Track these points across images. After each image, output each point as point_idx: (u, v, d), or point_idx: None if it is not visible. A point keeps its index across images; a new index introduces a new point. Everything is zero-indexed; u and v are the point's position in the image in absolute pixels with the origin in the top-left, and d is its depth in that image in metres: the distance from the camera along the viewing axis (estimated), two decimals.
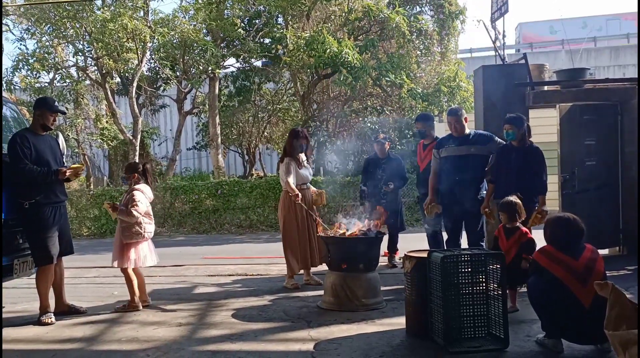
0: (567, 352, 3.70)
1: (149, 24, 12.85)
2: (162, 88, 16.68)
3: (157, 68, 15.51)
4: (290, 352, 3.88)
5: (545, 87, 7.07)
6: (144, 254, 5.12)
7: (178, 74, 14.95)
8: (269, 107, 15.60)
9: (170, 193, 12.35)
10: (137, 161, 5.04)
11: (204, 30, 13.97)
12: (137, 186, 5.12)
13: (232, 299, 5.49)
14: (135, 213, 4.95)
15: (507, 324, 3.83)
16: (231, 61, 15.55)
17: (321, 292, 5.26)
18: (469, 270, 3.97)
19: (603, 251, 6.86)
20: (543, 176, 5.19)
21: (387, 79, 11.94)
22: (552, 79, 7.54)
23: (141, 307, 5.06)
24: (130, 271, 5.05)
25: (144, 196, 5.13)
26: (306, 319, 4.69)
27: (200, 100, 15.94)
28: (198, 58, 13.40)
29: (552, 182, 6.76)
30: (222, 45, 14.15)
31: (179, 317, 4.84)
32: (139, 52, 12.87)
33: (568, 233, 3.74)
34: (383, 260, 6.81)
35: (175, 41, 13.07)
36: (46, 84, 14.59)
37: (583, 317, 3.54)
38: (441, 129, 9.18)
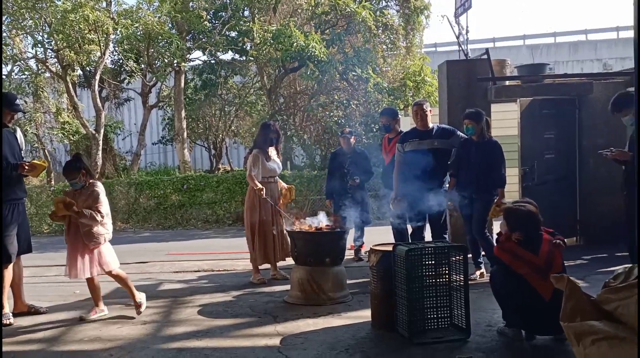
0: (525, 341, 3.82)
1: (111, 16, 12.54)
2: (126, 81, 16.31)
3: (121, 61, 15.16)
4: (257, 348, 3.89)
5: (507, 82, 7.24)
6: (110, 258, 4.73)
7: (142, 67, 14.66)
8: (236, 101, 15.46)
9: (135, 188, 12.13)
10: (76, 157, 4.50)
11: (169, 23, 13.72)
12: (96, 183, 4.67)
13: (198, 295, 5.45)
14: (99, 216, 4.49)
15: (469, 314, 3.93)
16: (197, 54, 15.34)
17: (288, 287, 5.28)
18: (433, 262, 4.05)
19: None
20: (501, 169, 5.33)
21: (354, 73, 11.99)
22: (513, 74, 7.72)
23: (107, 311, 4.80)
24: (117, 271, 4.74)
25: (104, 194, 4.69)
26: (273, 314, 4.71)
27: (166, 93, 15.67)
28: (163, 51, 13.16)
29: (513, 174, 6.96)
30: (187, 38, 13.93)
31: (144, 314, 4.77)
32: (102, 44, 12.55)
33: (527, 226, 3.84)
34: (350, 254, 6.88)
35: (139, 33, 12.79)
36: (4, 77, 14.09)
37: (543, 309, 3.65)
38: (406, 124, 9.29)
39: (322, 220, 5.44)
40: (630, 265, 2.05)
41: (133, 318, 4.67)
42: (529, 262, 3.72)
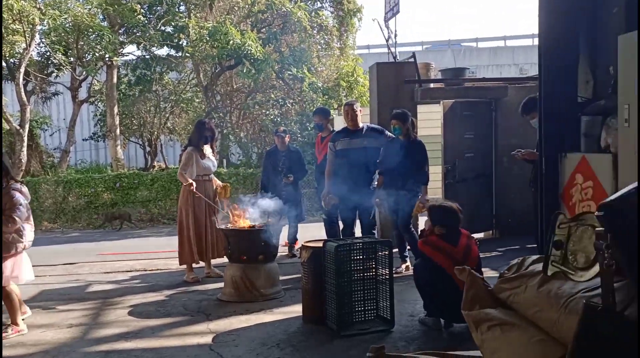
0: (444, 329, 4.07)
1: (38, 6, 11.99)
2: (54, 75, 15.60)
3: (48, 53, 14.50)
4: (188, 347, 3.91)
5: (431, 85, 7.59)
6: (24, 268, 4.31)
7: (72, 60, 14.09)
8: (172, 97, 15.17)
9: (63, 187, 11.68)
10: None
11: (100, 15, 13.28)
12: (14, 186, 4.21)
13: (129, 296, 5.38)
14: (17, 219, 4.09)
15: (393, 306, 4.13)
16: (131, 48, 14.90)
17: (221, 285, 5.31)
18: (361, 257, 4.22)
19: (479, 235, 7.53)
20: (425, 167, 5.61)
21: (290, 72, 12.10)
22: (437, 77, 8.10)
23: (26, 330, 4.30)
24: (10, 288, 4.20)
25: (24, 197, 4.24)
26: (205, 312, 4.73)
27: (97, 88, 15.15)
28: (94, 44, 12.71)
29: (436, 172, 7.30)
30: (120, 31, 13.53)
31: (70, 317, 4.66)
32: (27, 36, 11.97)
33: (447, 221, 4.10)
34: (284, 250, 6.99)
35: (68, 25, 12.30)
36: None
37: (460, 298, 3.92)
38: (340, 123, 9.51)
39: (256, 217, 5.52)
40: (522, 257, 2.29)
41: (58, 321, 4.56)
42: (448, 253, 3.97)
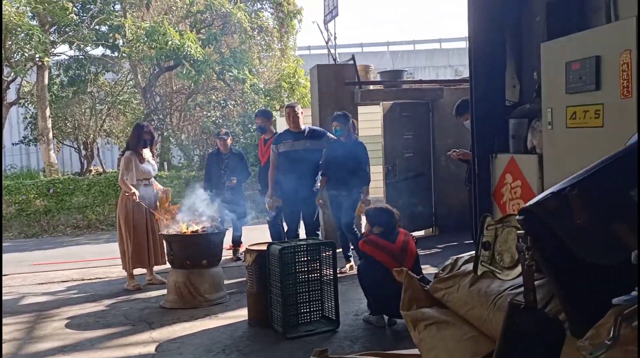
0: (387, 327, 4.19)
1: None
2: None
3: None
4: (130, 357, 3.84)
5: (371, 87, 7.77)
6: None
7: None
8: (108, 99, 14.68)
9: None
10: None
11: (29, 14, 12.66)
12: None
13: (66, 307, 5.18)
14: None
15: (338, 306, 4.21)
16: (63, 48, 14.30)
17: (164, 291, 5.22)
18: (305, 259, 4.26)
19: (419, 233, 7.77)
20: (366, 168, 5.73)
21: (230, 73, 12.00)
22: (376, 78, 8.30)
23: None
24: None
25: None
26: (148, 321, 4.64)
27: (27, 89, 14.43)
28: (23, 44, 12.10)
29: (378, 172, 7.48)
30: (51, 30, 12.95)
31: (3, 333, 4.46)
32: None
33: (385, 221, 4.24)
34: (228, 254, 6.95)
35: None
36: None
37: (399, 295, 4.06)
38: (283, 125, 9.54)
39: (199, 222, 5.46)
40: (455, 257, 2.41)
41: None
42: (386, 250, 4.10)
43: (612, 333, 1.35)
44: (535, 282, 1.66)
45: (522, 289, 1.83)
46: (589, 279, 1.60)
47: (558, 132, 3.72)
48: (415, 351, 2.32)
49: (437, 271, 2.39)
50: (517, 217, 1.62)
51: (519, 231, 1.62)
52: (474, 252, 2.21)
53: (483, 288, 1.98)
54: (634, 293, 1.36)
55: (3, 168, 16.75)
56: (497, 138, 4.58)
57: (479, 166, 4.63)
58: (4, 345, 4.20)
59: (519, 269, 1.81)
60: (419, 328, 2.19)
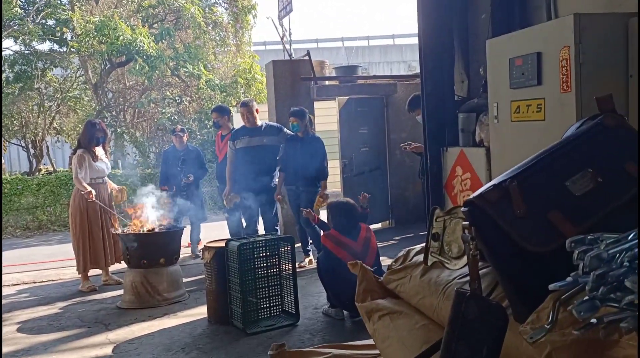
0: (346, 319, 4.26)
1: None
2: None
3: None
4: None
5: (326, 82, 7.83)
6: None
7: None
8: (57, 95, 14.18)
9: None
10: None
11: None
12: None
13: (17, 311, 5.04)
14: None
15: (297, 301, 4.25)
16: (8, 42, 13.68)
17: (121, 292, 5.15)
18: (264, 254, 4.29)
19: (376, 225, 7.91)
20: (324, 163, 5.80)
21: (185, 69, 11.81)
22: (332, 74, 8.36)
23: None
24: None
25: None
26: (104, 322, 4.57)
27: None
28: None
29: (335, 166, 7.56)
30: None
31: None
32: None
33: (347, 217, 4.30)
34: (187, 251, 6.89)
35: None
36: None
37: None
38: (240, 120, 9.48)
39: (154, 219, 5.40)
40: (407, 249, 2.48)
41: None
42: (347, 247, 4.16)
43: (550, 317, 1.44)
44: (480, 271, 1.75)
45: (468, 278, 1.93)
46: (530, 266, 1.69)
47: (503, 126, 3.87)
48: (371, 341, 2.39)
49: (390, 263, 2.47)
50: (462, 209, 1.70)
51: (464, 223, 1.69)
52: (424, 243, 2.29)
53: (433, 278, 2.06)
54: (569, 278, 1.46)
55: None
56: (447, 132, 4.72)
57: (431, 159, 4.76)
58: None
59: (465, 259, 1.90)
60: (373, 319, 2.25)
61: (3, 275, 6.74)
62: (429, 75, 4.72)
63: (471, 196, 1.68)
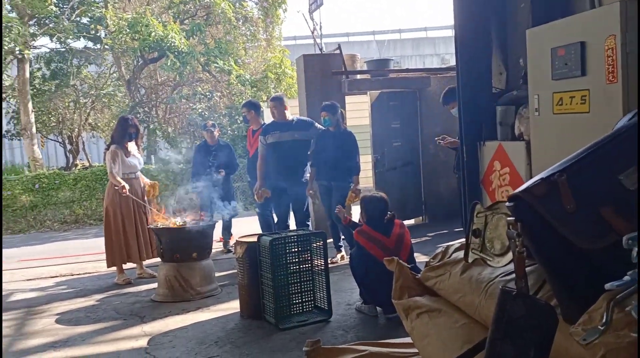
0: (380, 316, 4.21)
1: None
2: None
3: None
4: (122, 352, 3.81)
5: (358, 76, 7.74)
6: None
7: None
8: (92, 92, 14.49)
9: None
10: None
11: (7, 6, 12.42)
12: None
13: (56, 303, 5.15)
14: None
15: (330, 296, 4.22)
16: (44, 40, 14.07)
17: (155, 285, 5.21)
18: (296, 249, 4.26)
19: (410, 221, 7.80)
20: (356, 157, 5.73)
21: (216, 64, 11.89)
22: (363, 68, 8.27)
23: None
24: None
25: None
26: (139, 315, 4.63)
27: (8, 83, 14.18)
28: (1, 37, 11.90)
29: (367, 161, 7.49)
30: (31, 23, 12.71)
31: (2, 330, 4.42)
32: None
33: (380, 212, 4.23)
34: (218, 246, 6.94)
35: None
36: None
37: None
38: (271, 115, 9.49)
39: (188, 214, 5.45)
40: (446, 245, 2.42)
41: None
42: (380, 243, 4.10)
43: (604, 318, 1.37)
44: (526, 268, 1.67)
45: (513, 276, 1.85)
46: (581, 264, 1.61)
47: (545, 119, 3.74)
48: (408, 339, 2.34)
49: (428, 260, 2.40)
50: (507, 204, 1.63)
51: (508, 218, 1.62)
52: (463, 239, 2.22)
53: (474, 276, 1.99)
54: (626, 277, 1.38)
55: None
56: (484, 126, 4.59)
57: (467, 153, 4.65)
58: None
59: (509, 256, 1.83)
60: (411, 316, 2.20)
61: (43, 267, 6.94)
62: (465, 67, 4.60)
63: (517, 191, 1.61)
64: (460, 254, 2.14)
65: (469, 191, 4.61)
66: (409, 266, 2.52)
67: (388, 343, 2.72)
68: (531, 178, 3.91)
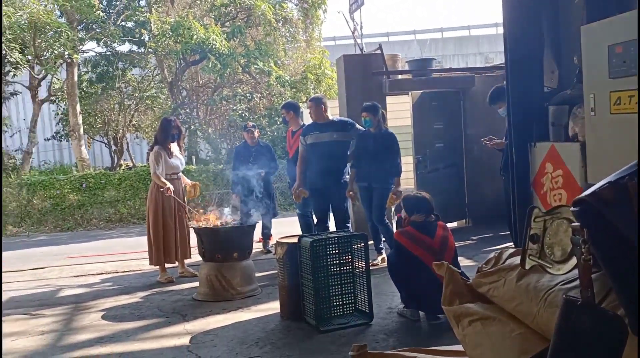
0: (422, 321, 4.11)
1: None
2: (11, 74, 15.05)
3: (4, 52, 13.97)
4: (165, 349, 3.86)
5: (399, 76, 7.63)
6: None
7: (29, 58, 13.61)
8: (136, 94, 14.86)
9: (27, 189, 11.33)
10: None
11: (57, 12, 12.86)
12: None
13: (102, 299, 5.28)
14: None
15: (371, 299, 4.15)
16: (91, 45, 14.51)
17: (196, 284, 5.26)
18: (336, 251, 4.22)
19: (452, 224, 7.63)
20: (397, 159, 5.64)
21: (256, 66, 11.99)
22: (404, 68, 8.15)
23: None
24: None
25: None
26: (181, 313, 4.68)
27: (58, 87, 14.69)
28: (52, 41, 12.31)
29: (408, 163, 7.37)
30: (79, 28, 13.13)
31: (41, 324, 4.55)
32: None
33: (424, 209, 4.13)
34: (258, 247, 6.96)
35: (23, 22, 11.87)
36: None
37: (437, 289, 3.95)
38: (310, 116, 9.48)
39: (228, 215, 5.48)
40: (499, 250, 2.32)
41: (29, 329, 4.44)
42: (424, 244, 4.00)
43: None
44: None
45: (574, 284, 1.75)
46: None
47: (601, 119, 3.57)
48: (459, 347, 2.25)
49: (480, 265, 2.31)
50: (571, 208, 1.53)
51: (572, 224, 1.53)
52: (512, 244, 2.12)
53: (532, 283, 1.90)
54: None
55: (37, 164, 17.16)
56: (535, 126, 4.43)
57: (517, 155, 4.48)
58: (44, 336, 4.29)
59: (571, 263, 1.73)
60: (462, 324, 2.11)
61: (89, 264, 7.13)
62: (515, 65, 4.44)
63: (583, 194, 1.51)
64: (516, 260, 2.04)
65: (519, 194, 4.45)
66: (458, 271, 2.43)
67: (438, 350, 2.64)
68: (586, 180, 3.75)
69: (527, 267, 1.93)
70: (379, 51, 7.41)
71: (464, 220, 7.90)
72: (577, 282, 1.65)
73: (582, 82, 3.78)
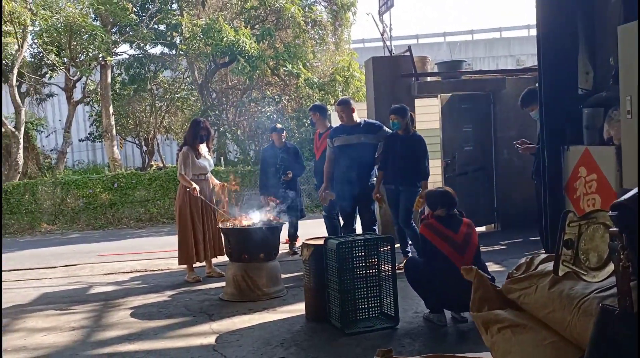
0: (450, 325, 4.05)
1: (29, 6, 11.88)
2: (47, 76, 15.48)
3: (41, 54, 14.38)
4: (192, 347, 3.89)
5: (428, 78, 7.55)
6: None
7: (65, 61, 13.98)
8: (167, 96, 15.10)
9: (62, 188, 11.61)
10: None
11: (92, 15, 13.18)
12: None
13: (131, 297, 5.36)
14: None
15: (397, 303, 4.11)
16: (124, 47, 14.82)
17: (223, 284, 5.29)
18: (363, 254, 4.20)
19: (480, 229, 7.49)
20: (425, 162, 5.57)
21: (285, 68, 12.05)
22: (434, 70, 8.06)
23: None
24: None
25: None
26: (208, 312, 4.71)
27: (92, 88, 15.04)
28: (87, 44, 12.62)
29: (436, 166, 7.28)
30: (113, 31, 13.43)
31: (72, 320, 4.65)
32: (19, 37, 11.87)
33: (447, 207, 4.07)
34: (285, 248, 6.97)
35: (60, 25, 12.20)
36: None
37: (462, 285, 3.88)
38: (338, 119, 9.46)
39: (256, 216, 5.50)
40: (531, 256, 2.25)
41: (60, 324, 4.54)
42: (448, 238, 3.94)
43: None
44: None
45: (610, 291, 1.68)
46: None
47: (638, 122, 3.44)
48: (487, 354, 2.19)
49: (510, 271, 2.25)
50: (609, 213, 1.48)
51: (611, 229, 1.47)
52: (543, 250, 2.06)
53: (565, 290, 1.83)
54: None
55: (71, 163, 17.59)
56: (568, 129, 4.31)
57: (549, 159, 4.37)
58: (75, 332, 4.38)
59: (608, 270, 1.66)
60: (491, 331, 2.06)
61: (119, 262, 7.26)
62: (549, 67, 4.33)
63: (621, 199, 1.45)
64: (548, 266, 1.98)
65: (550, 198, 4.34)
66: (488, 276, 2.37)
67: (465, 357, 2.58)
68: (622, 185, 3.62)
69: (560, 274, 1.87)
70: (408, 53, 7.35)
71: (493, 225, 7.76)
72: (613, 290, 1.59)
73: (619, 84, 3.66)
